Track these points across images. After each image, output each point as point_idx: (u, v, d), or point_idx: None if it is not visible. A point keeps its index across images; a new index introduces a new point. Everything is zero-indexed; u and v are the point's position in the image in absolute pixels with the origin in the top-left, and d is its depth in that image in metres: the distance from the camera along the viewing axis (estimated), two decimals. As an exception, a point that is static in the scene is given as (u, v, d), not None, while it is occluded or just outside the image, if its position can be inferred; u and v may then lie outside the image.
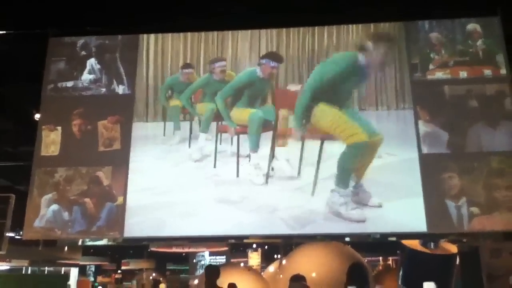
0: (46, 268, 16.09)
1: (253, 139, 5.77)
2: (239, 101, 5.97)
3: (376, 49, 5.46)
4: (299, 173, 5.60)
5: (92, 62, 6.30)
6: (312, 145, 5.54)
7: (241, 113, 5.90)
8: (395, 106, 5.83)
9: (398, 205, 5.31)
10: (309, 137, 5.50)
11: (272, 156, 5.68)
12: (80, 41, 6.38)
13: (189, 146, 6.04)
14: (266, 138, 5.80)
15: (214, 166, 5.85)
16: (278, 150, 5.73)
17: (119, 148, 5.90)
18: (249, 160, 5.76)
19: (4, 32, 6.15)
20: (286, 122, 5.68)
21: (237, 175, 5.74)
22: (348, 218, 5.29)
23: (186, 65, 6.30)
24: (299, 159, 5.61)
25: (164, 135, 6.11)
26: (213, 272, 4.50)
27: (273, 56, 6.01)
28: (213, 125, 6.10)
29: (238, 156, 5.83)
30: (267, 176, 5.65)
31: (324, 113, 5.36)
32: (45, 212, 5.68)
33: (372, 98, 5.88)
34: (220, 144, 5.99)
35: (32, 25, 6.11)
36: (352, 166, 5.34)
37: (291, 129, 5.56)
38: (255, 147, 5.76)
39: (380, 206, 5.28)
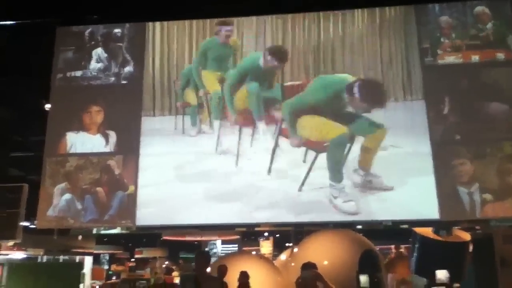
0: (61, 256, 16.32)
1: (255, 108, 5.80)
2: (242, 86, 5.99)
3: (360, 95, 5.46)
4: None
5: (99, 51, 6.31)
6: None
7: (240, 93, 5.95)
8: (403, 97, 5.77)
9: (410, 193, 5.28)
10: (307, 146, 5.58)
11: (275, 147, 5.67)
12: (88, 30, 6.39)
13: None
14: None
15: (237, 164, 5.82)
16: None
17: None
18: (259, 131, 5.79)
19: (13, 22, 6.15)
20: None
21: (236, 164, 5.77)
22: (341, 210, 5.33)
23: (223, 22, 6.20)
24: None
25: (175, 128, 6.11)
26: (202, 258, 4.21)
27: (278, 56, 5.97)
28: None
29: (238, 148, 5.85)
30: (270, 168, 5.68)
31: (307, 123, 5.50)
32: (58, 201, 5.75)
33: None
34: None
35: (39, 14, 6.10)
36: (338, 160, 5.38)
37: (288, 132, 5.62)
38: (258, 114, 5.78)
39: (392, 188, 5.29)
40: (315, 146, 5.44)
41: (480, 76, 5.53)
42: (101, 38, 6.36)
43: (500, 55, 5.58)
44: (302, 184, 5.46)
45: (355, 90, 5.47)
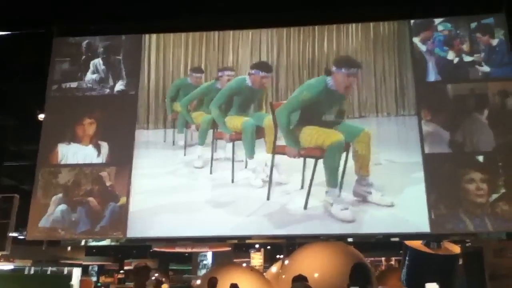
0: (49, 268, 16.12)
1: (248, 146, 5.86)
2: (231, 108, 6.08)
3: (338, 73, 5.55)
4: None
5: (96, 62, 6.33)
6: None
7: (235, 121, 6.03)
8: (396, 112, 5.86)
9: (402, 206, 5.31)
10: (305, 156, 5.57)
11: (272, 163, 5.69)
12: (84, 41, 6.42)
13: (185, 154, 6.09)
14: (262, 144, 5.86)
15: (211, 172, 5.90)
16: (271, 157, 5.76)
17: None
18: (246, 166, 5.85)
19: (9, 32, 6.17)
20: (271, 131, 5.71)
21: (232, 181, 5.80)
22: (337, 217, 5.32)
23: (197, 69, 6.32)
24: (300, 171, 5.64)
25: (164, 141, 6.14)
26: (141, 272, 3.97)
27: (262, 66, 6.07)
28: (209, 132, 6.18)
29: (233, 162, 5.90)
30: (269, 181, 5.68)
31: (306, 133, 5.51)
32: (53, 211, 5.70)
33: (372, 104, 5.91)
34: (216, 151, 6.06)
35: (36, 24, 6.13)
36: (334, 166, 5.40)
37: (285, 147, 5.60)
38: (250, 153, 5.86)
39: (391, 205, 5.32)
40: (313, 153, 5.46)
41: (471, 90, 5.63)
42: (99, 49, 6.38)
43: (492, 70, 5.69)
44: (307, 196, 5.47)
45: (333, 68, 5.60)
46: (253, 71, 6.06)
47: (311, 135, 5.49)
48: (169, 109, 6.28)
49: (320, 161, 5.44)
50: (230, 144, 6.01)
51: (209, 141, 6.13)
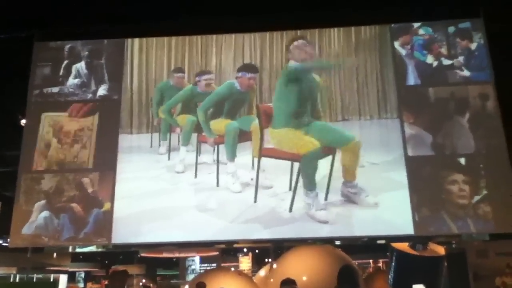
0: (35, 275, 15.92)
1: (229, 149, 5.87)
2: (220, 114, 6.10)
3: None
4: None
5: (78, 67, 6.27)
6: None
7: (219, 124, 6.03)
8: (378, 115, 5.92)
9: (386, 208, 5.35)
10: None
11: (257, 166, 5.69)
12: (66, 45, 6.36)
13: (169, 158, 6.09)
14: (246, 148, 5.88)
15: (195, 176, 5.89)
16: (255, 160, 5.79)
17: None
18: (227, 170, 5.83)
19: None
20: (256, 135, 5.71)
21: (217, 184, 5.80)
22: (314, 218, 5.36)
23: (177, 69, 6.31)
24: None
25: (151, 146, 6.15)
26: (117, 276, 3.82)
27: (248, 68, 6.10)
28: (193, 136, 6.17)
29: (218, 165, 5.89)
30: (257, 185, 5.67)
31: (285, 135, 5.51)
32: (36, 218, 5.62)
33: (355, 108, 5.95)
34: (199, 155, 6.07)
35: (17, 28, 6.06)
36: (310, 172, 5.43)
37: (274, 149, 5.60)
38: (231, 156, 5.85)
39: (375, 205, 5.36)
40: (292, 157, 5.50)
41: (451, 94, 5.69)
42: (82, 54, 6.33)
43: (472, 74, 5.76)
44: (292, 199, 5.49)
45: (290, 47, 5.63)
46: (240, 74, 6.06)
47: (289, 140, 5.50)
48: (155, 114, 6.28)
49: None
50: (215, 148, 6.00)
51: (193, 146, 6.14)
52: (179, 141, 6.22)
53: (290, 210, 5.45)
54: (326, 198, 5.48)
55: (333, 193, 5.48)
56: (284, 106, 5.53)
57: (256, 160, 5.69)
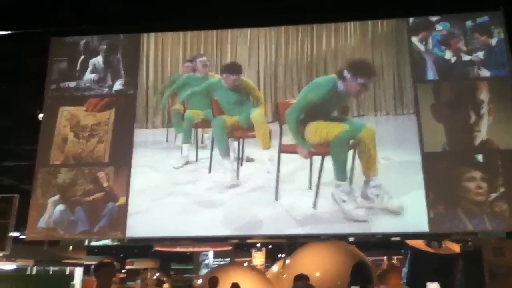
0: (51, 267, 16.14)
1: (221, 145, 5.85)
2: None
3: (352, 81, 5.45)
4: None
5: (94, 62, 6.33)
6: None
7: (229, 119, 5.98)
8: (394, 111, 5.84)
9: (402, 205, 5.28)
10: (314, 154, 5.48)
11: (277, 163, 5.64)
12: (82, 40, 6.42)
13: (181, 153, 6.07)
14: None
15: (209, 171, 5.87)
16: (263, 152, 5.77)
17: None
18: (241, 165, 5.81)
19: (7, 32, 6.16)
20: (261, 125, 5.74)
21: (237, 178, 5.78)
22: (351, 217, 5.27)
23: (200, 55, 6.27)
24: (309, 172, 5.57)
25: (167, 141, 6.15)
26: (103, 268, 3.50)
27: (232, 69, 6.04)
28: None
29: (238, 161, 5.88)
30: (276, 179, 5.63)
31: (311, 129, 5.44)
32: (51, 212, 5.69)
33: (371, 103, 5.89)
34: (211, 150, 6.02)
35: (34, 24, 6.12)
36: (343, 157, 5.34)
37: (296, 145, 5.50)
38: (224, 154, 5.84)
39: (400, 211, 5.25)
40: (320, 150, 5.39)
41: (471, 88, 5.61)
42: (98, 48, 6.38)
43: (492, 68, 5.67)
44: (316, 196, 5.41)
45: (345, 73, 5.48)
46: (224, 75, 6.03)
47: (315, 130, 5.42)
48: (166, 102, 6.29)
49: (327, 159, 5.38)
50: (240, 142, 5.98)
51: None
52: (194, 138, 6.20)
53: (314, 207, 5.39)
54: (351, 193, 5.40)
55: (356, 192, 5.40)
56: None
57: (264, 152, 5.69)
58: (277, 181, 5.57)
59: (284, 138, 5.57)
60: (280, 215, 5.43)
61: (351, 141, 5.40)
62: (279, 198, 5.53)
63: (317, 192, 5.40)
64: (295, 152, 5.50)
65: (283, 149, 5.58)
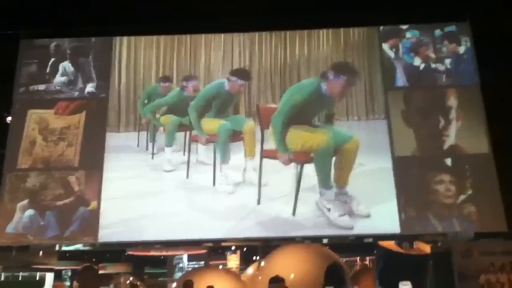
0: (21, 273, 15.75)
1: (221, 151, 5.83)
2: (208, 112, 6.05)
3: (335, 79, 5.54)
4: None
5: (65, 65, 6.22)
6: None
7: (211, 123, 5.99)
8: (365, 116, 5.94)
9: (374, 208, 5.39)
10: (293, 161, 5.51)
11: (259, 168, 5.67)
12: (53, 43, 6.29)
13: (152, 158, 6.04)
14: (238, 147, 5.87)
15: (187, 177, 5.86)
16: (247, 161, 5.80)
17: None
18: (220, 171, 5.79)
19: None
20: (251, 135, 5.74)
21: (214, 183, 5.77)
22: (338, 225, 5.33)
23: (164, 78, 6.28)
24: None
25: (138, 146, 6.09)
26: (85, 273, 3.47)
27: (241, 75, 6.08)
28: (180, 136, 6.15)
29: (214, 165, 5.85)
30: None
31: (294, 135, 5.46)
32: (20, 218, 5.56)
33: (343, 109, 5.97)
34: (184, 154, 6.03)
35: (3, 26, 5.97)
36: (327, 166, 5.39)
37: (277, 152, 5.52)
38: (225, 158, 5.82)
39: (368, 216, 5.34)
40: (300, 157, 5.43)
41: (441, 97, 5.75)
42: (68, 51, 6.28)
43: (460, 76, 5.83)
44: (295, 202, 5.45)
45: (329, 73, 5.58)
46: (233, 78, 6.04)
47: (298, 137, 5.45)
48: (142, 114, 6.24)
49: (308, 166, 5.42)
50: (202, 148, 6.00)
51: (178, 146, 6.11)
52: (153, 144, 6.17)
53: (294, 214, 5.43)
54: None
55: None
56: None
57: (248, 160, 5.73)
58: (259, 185, 5.58)
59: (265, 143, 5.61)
60: (260, 220, 5.45)
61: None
62: (261, 202, 5.55)
63: (296, 199, 5.43)
64: (276, 158, 5.53)
65: (264, 154, 5.60)
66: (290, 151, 5.45)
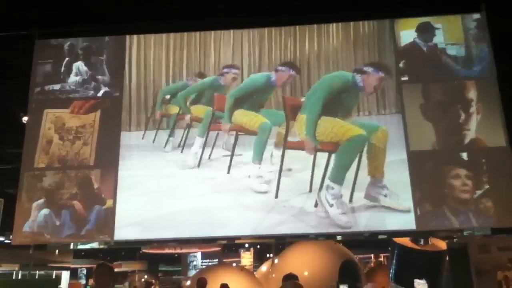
0: (37, 271, 15.97)
1: (259, 149, 5.71)
2: (246, 103, 5.97)
3: (374, 73, 5.58)
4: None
5: (78, 64, 6.26)
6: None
7: (247, 117, 5.89)
8: (376, 111, 5.88)
9: (408, 205, 5.31)
10: (319, 150, 5.45)
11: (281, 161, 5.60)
12: (67, 43, 6.35)
13: (182, 151, 6.00)
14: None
15: (198, 168, 5.82)
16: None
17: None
18: (253, 170, 5.69)
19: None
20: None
21: (228, 171, 5.71)
22: (335, 222, 5.27)
23: (199, 74, 6.25)
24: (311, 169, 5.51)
25: (153, 142, 6.08)
26: (100, 270, 3.45)
27: (293, 65, 6.00)
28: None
29: (232, 154, 5.81)
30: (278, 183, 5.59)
31: (325, 124, 5.42)
32: (36, 217, 5.61)
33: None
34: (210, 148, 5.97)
35: (19, 26, 6.04)
36: (348, 163, 5.33)
37: (303, 142, 5.48)
38: (260, 158, 5.71)
39: (409, 210, 5.26)
40: (329, 147, 5.38)
41: (456, 89, 5.68)
42: (81, 51, 6.31)
43: (476, 68, 5.74)
44: (312, 186, 5.40)
45: (366, 67, 5.63)
46: (283, 68, 5.96)
47: (331, 127, 5.40)
48: (158, 107, 6.22)
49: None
50: (221, 143, 5.96)
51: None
52: (182, 138, 6.13)
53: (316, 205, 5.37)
54: (351, 200, 5.38)
55: (358, 192, 5.38)
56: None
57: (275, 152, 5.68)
58: (279, 178, 5.53)
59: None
60: (280, 215, 5.40)
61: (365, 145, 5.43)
62: (278, 196, 5.49)
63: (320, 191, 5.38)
64: (300, 148, 5.48)
65: (288, 145, 5.54)
66: (318, 141, 5.41)
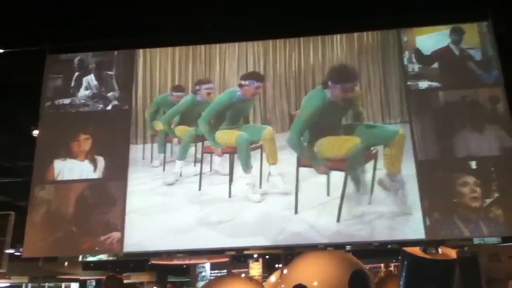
0: (47, 284, 16.01)
1: (244, 161, 5.82)
2: (222, 123, 6.05)
3: (335, 88, 5.57)
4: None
5: (88, 79, 6.35)
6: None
7: (226, 135, 5.99)
8: (381, 120, 5.91)
9: (396, 213, 5.34)
10: (332, 169, 5.53)
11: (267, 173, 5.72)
12: (77, 57, 6.44)
13: (164, 170, 6.08)
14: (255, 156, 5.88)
15: (199, 189, 5.87)
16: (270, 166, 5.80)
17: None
18: (245, 181, 5.79)
19: (2, 51, 6.18)
20: (272, 142, 5.79)
21: (229, 195, 5.77)
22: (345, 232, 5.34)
23: (176, 88, 6.32)
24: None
25: (143, 158, 6.13)
26: (109, 281, 3.66)
27: (256, 76, 6.07)
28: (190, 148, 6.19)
29: (231, 176, 5.87)
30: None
31: (323, 144, 5.51)
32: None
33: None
34: (195, 165, 6.08)
35: (29, 41, 6.15)
36: (359, 172, 5.42)
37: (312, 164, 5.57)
38: (247, 168, 5.81)
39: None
40: (338, 165, 5.45)
41: (462, 97, 5.68)
42: (91, 65, 6.41)
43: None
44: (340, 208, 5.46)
45: (329, 82, 5.62)
46: (246, 82, 6.03)
47: (329, 145, 5.49)
48: (149, 125, 6.30)
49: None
50: (215, 159, 6.05)
51: (190, 157, 6.15)
52: (171, 154, 6.21)
53: (338, 220, 5.43)
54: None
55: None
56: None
57: (272, 168, 5.73)
58: (296, 194, 5.57)
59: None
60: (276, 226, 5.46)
61: (373, 150, 5.51)
62: (298, 211, 5.53)
63: (340, 206, 5.43)
64: (311, 166, 5.57)
65: (301, 163, 5.62)
66: (323, 162, 5.47)
